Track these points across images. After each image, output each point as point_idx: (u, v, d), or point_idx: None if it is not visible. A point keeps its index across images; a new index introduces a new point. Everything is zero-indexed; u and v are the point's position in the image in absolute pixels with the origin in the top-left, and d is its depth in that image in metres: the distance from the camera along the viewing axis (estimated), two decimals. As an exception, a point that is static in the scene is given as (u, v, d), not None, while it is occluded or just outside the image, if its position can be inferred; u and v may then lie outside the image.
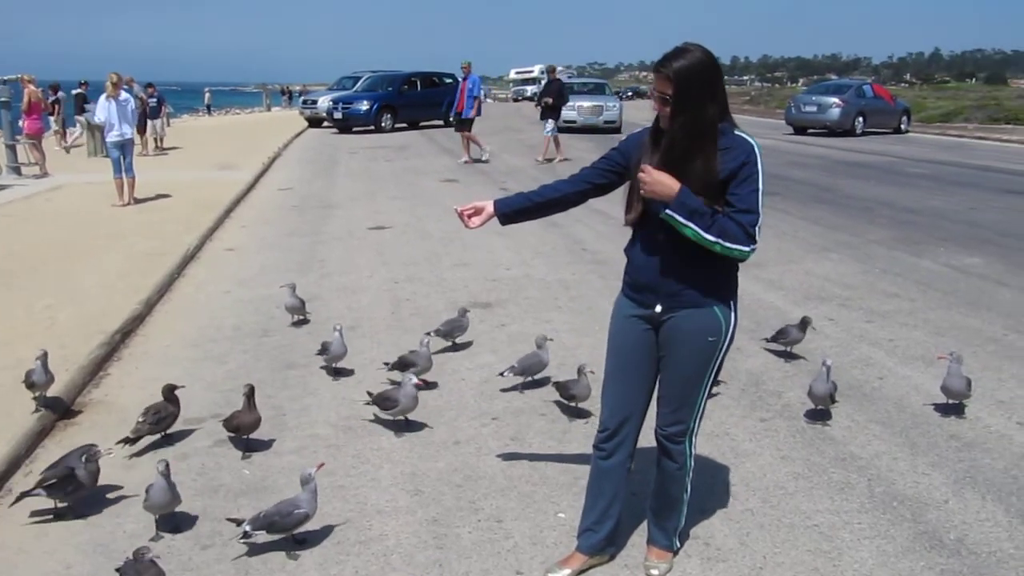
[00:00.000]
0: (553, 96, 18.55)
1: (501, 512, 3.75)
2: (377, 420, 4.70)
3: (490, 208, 3.29)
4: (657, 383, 3.10)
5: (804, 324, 5.57)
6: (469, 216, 3.31)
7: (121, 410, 4.92)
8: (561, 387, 4.79)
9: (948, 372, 4.60)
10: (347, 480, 4.06)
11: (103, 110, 11.70)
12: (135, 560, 3.03)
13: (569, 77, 73.08)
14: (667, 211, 2.74)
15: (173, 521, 3.68)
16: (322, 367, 5.49)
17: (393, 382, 5.00)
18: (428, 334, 5.62)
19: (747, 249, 2.74)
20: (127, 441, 4.38)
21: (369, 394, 4.72)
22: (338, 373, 5.43)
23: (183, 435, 4.59)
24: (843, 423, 4.64)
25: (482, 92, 20.03)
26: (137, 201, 12.05)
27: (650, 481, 3.33)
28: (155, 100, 19.90)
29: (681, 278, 2.88)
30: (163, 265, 8.12)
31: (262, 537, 3.49)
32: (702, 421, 3.14)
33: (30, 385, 4.69)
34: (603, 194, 3.23)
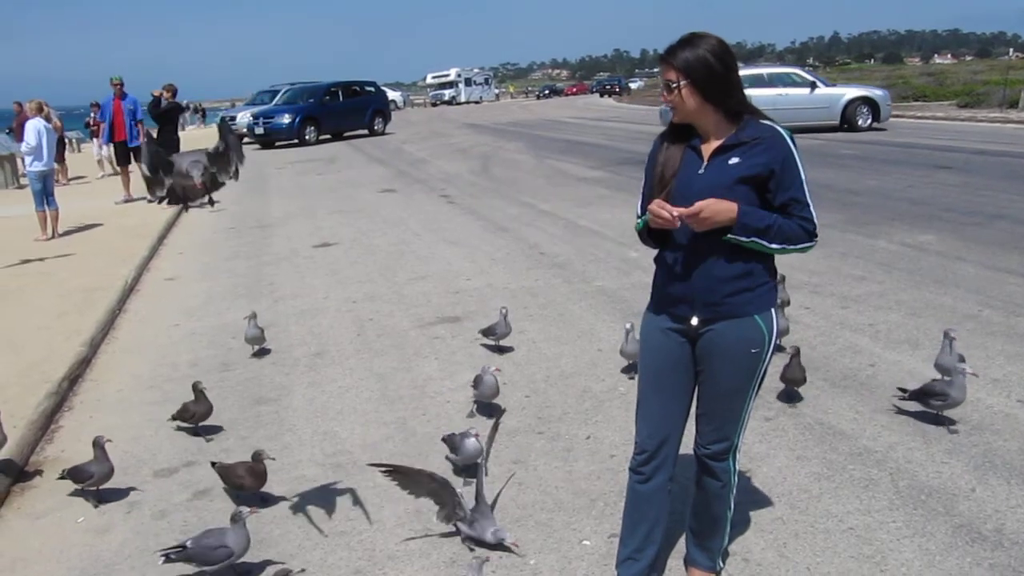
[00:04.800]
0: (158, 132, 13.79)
1: (522, 546, 3.50)
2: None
3: None
4: (696, 399, 2.90)
5: (782, 280, 5.48)
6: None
7: (82, 466, 4.51)
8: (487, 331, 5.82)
9: (941, 350, 4.58)
10: (348, 525, 3.76)
11: (35, 135, 10.89)
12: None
13: (486, 80, 73.39)
14: (729, 236, 2.58)
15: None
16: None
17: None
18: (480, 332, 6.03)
19: (810, 244, 2.62)
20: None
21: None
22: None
23: (155, 490, 4.22)
24: (848, 415, 4.53)
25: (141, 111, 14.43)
26: (61, 234, 11.39)
27: (688, 498, 3.14)
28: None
29: (719, 287, 2.68)
30: (102, 301, 7.62)
31: None
32: (745, 434, 2.95)
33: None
34: None
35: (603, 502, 3.80)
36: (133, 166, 14.25)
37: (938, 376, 4.69)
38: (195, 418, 4.77)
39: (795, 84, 20.52)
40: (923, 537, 3.37)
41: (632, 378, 5.27)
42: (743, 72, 21.87)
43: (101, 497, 4.12)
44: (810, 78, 20.95)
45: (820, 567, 3.22)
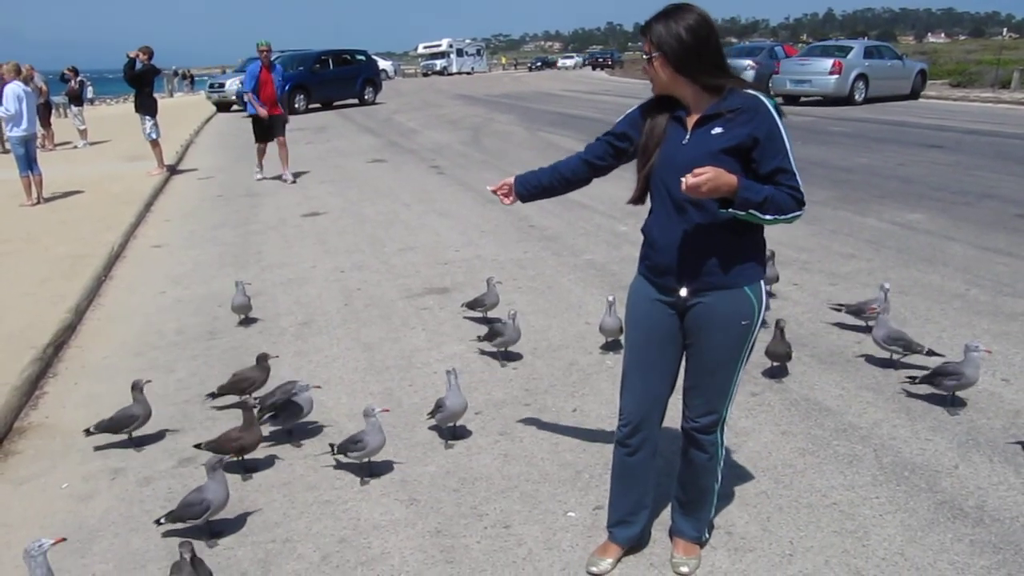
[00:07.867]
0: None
1: (507, 516, 3.51)
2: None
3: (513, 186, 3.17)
4: (684, 372, 2.90)
5: (772, 256, 5.54)
6: (504, 195, 3.18)
7: (66, 433, 4.49)
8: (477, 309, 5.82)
9: (877, 323, 4.74)
10: (333, 494, 3.76)
11: (15, 101, 10.71)
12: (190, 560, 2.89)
13: (478, 51, 72.75)
14: (728, 209, 2.53)
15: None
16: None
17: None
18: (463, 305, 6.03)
19: (799, 213, 2.59)
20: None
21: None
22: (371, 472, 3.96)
23: (140, 457, 4.20)
24: (834, 392, 4.55)
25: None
26: (46, 200, 11.26)
27: (673, 472, 3.15)
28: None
29: (707, 258, 2.67)
30: (87, 267, 7.55)
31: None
32: (732, 408, 2.95)
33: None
34: (602, 175, 3.09)
35: (588, 474, 3.81)
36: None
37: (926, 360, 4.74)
38: (254, 387, 4.55)
39: (890, 57, 22.52)
40: (905, 513, 3.40)
41: (610, 353, 5.28)
42: (866, 43, 22.94)
43: (139, 443, 4.30)
44: (898, 52, 23.71)
45: (803, 541, 3.24)
